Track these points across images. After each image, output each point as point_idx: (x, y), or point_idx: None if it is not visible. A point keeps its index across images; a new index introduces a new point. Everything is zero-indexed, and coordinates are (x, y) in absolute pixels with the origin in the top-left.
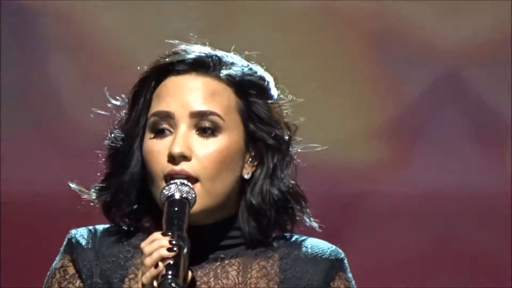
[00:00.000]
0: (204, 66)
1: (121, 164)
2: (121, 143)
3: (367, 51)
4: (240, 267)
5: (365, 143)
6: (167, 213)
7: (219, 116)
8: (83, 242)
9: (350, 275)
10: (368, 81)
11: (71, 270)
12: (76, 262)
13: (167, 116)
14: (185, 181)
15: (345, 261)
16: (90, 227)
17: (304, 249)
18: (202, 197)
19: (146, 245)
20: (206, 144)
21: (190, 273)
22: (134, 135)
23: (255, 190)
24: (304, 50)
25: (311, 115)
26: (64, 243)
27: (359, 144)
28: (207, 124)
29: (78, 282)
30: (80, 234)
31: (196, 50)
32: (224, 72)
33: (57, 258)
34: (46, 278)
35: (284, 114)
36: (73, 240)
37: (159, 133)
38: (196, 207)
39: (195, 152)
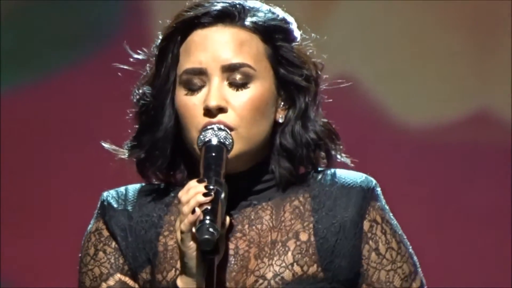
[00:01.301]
0: (229, 16)
1: (154, 121)
2: (151, 99)
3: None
4: (273, 211)
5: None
6: (204, 159)
7: (250, 66)
8: (115, 204)
9: (383, 202)
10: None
11: (106, 232)
12: (109, 224)
13: (200, 72)
14: (222, 126)
15: (377, 189)
16: (122, 188)
17: (335, 184)
18: (238, 143)
19: (183, 194)
20: (240, 94)
21: (228, 218)
22: (165, 91)
23: (286, 131)
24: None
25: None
26: (98, 206)
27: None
28: (239, 75)
29: (113, 244)
30: (112, 196)
31: (218, 0)
32: (249, 20)
33: (92, 222)
34: (82, 243)
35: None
36: (105, 203)
37: (192, 87)
38: (232, 152)
39: (230, 103)
